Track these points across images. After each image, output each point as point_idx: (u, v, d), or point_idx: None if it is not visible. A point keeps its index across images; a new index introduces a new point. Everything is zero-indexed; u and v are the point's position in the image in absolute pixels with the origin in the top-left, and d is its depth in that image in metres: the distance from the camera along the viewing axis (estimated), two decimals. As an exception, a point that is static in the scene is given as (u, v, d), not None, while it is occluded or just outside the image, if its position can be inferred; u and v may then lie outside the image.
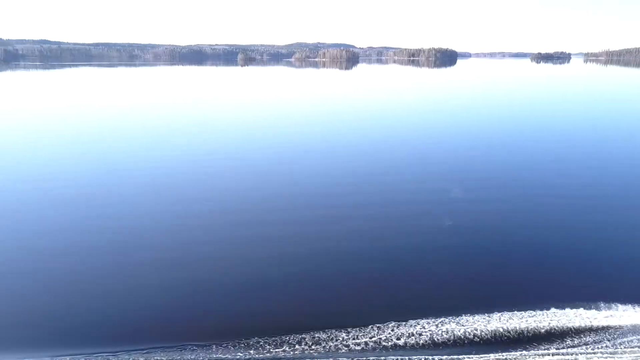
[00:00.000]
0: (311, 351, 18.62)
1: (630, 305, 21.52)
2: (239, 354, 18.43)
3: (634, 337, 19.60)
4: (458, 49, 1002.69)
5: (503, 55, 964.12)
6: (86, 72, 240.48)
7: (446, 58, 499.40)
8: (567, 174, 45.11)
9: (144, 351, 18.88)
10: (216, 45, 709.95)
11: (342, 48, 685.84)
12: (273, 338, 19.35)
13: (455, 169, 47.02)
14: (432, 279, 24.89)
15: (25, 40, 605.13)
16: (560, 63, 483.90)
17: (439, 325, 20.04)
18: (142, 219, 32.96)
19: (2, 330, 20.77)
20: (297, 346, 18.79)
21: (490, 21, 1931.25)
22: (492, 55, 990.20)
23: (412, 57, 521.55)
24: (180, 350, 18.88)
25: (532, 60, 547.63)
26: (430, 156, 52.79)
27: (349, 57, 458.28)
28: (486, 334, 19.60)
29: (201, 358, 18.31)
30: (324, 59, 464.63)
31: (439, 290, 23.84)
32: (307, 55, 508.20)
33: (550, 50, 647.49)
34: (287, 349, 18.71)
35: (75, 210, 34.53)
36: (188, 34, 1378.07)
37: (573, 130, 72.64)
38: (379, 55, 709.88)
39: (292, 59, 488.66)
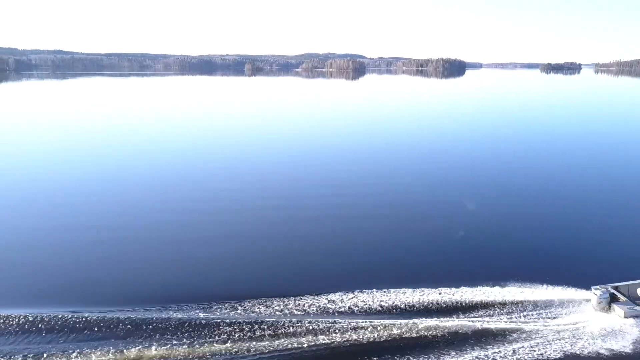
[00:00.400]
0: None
1: (539, 284, 23.68)
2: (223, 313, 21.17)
3: (540, 311, 21.69)
4: (469, 60, 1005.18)
5: (515, 65, 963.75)
6: (96, 82, 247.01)
7: (454, 68, 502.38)
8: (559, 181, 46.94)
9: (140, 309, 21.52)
10: (227, 55, 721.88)
11: (350, 58, 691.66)
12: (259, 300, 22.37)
13: (457, 176, 48.41)
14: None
15: (40, 50, 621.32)
16: (570, 74, 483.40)
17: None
18: (148, 214, 35.99)
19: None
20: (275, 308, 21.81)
21: (502, 32, 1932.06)
22: (503, 65, 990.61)
23: (421, 68, 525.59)
24: (166, 310, 21.33)
25: (541, 71, 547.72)
26: (434, 164, 54.00)
27: (356, 68, 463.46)
28: (417, 304, 21.75)
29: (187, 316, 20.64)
30: (331, 69, 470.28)
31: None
32: (315, 65, 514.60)
33: (561, 61, 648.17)
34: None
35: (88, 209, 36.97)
36: (199, 45, 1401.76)
37: (576, 139, 74.01)
38: (389, 65, 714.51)
39: (299, 69, 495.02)
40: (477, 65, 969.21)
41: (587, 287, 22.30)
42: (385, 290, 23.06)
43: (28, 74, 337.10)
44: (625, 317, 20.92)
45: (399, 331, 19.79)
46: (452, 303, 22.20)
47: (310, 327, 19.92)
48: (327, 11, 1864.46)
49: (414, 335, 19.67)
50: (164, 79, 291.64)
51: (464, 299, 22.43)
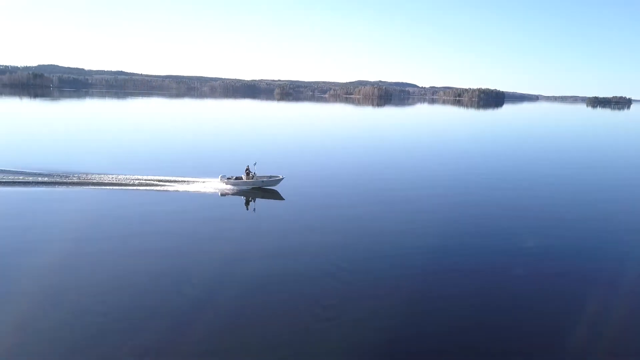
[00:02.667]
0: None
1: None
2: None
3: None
4: (525, 92, 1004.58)
5: (575, 99, 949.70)
6: (138, 101, 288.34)
7: (491, 99, 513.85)
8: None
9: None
10: (278, 80, 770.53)
11: (400, 87, 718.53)
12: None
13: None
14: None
15: (104, 71, 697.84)
16: (618, 108, 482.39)
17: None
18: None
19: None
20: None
21: (562, 65, 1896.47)
22: (563, 99, 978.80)
23: (458, 98, 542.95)
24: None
25: (587, 105, 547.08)
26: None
27: (381, 95, 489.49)
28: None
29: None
30: (358, 96, 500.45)
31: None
32: (347, 91, 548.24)
33: (619, 94, 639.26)
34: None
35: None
36: (249, 70, 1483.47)
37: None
38: (433, 94, 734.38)
39: (326, 95, 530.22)
40: (533, 98, 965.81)
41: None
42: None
43: (70, 91, 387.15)
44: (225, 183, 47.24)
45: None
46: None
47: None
48: (380, 39, 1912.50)
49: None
50: (205, 101, 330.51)
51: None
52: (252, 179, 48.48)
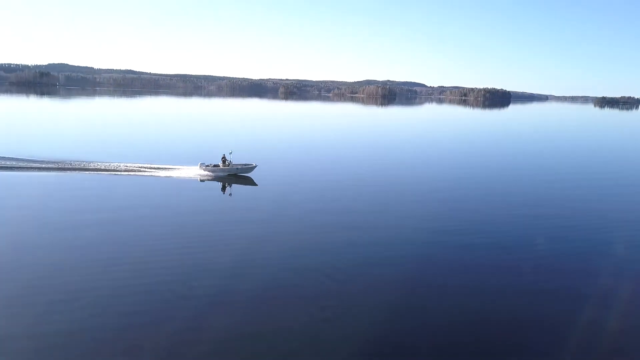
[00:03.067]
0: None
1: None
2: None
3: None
4: (535, 92, 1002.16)
5: (586, 99, 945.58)
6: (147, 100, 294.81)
7: (496, 99, 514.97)
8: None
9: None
10: (286, 80, 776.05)
11: (407, 86, 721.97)
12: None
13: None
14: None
15: (112, 70, 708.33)
16: (627, 109, 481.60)
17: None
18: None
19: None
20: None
21: (572, 64, 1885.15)
22: (573, 99, 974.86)
23: (464, 97, 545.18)
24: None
25: (595, 105, 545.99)
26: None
27: (385, 94, 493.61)
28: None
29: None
30: (362, 95, 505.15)
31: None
32: (352, 91, 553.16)
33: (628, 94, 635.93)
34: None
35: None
36: (258, 69, 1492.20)
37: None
38: (440, 94, 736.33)
39: (330, 94, 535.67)
40: (542, 98, 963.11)
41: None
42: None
43: (76, 89, 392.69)
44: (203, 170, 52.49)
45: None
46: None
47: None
48: (389, 39, 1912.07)
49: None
50: (206, 99, 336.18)
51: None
52: (228, 166, 53.75)
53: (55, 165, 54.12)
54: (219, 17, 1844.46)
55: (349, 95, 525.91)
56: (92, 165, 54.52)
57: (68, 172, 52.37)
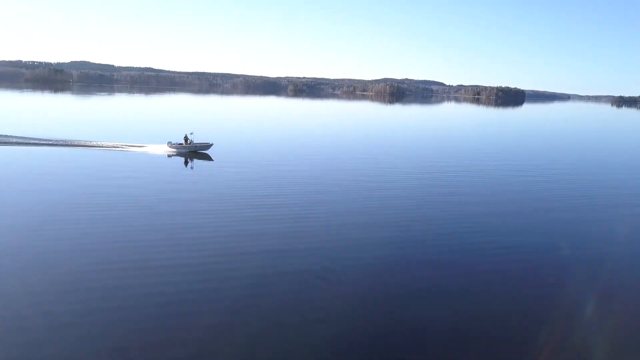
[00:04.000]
0: None
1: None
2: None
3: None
4: (556, 91, 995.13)
5: (609, 99, 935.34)
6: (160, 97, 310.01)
7: (510, 98, 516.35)
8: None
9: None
10: (303, 78, 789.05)
11: (424, 85, 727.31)
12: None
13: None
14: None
15: (132, 67, 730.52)
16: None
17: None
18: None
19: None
20: None
21: (595, 64, 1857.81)
22: (597, 98, 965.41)
23: (477, 96, 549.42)
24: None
25: (612, 105, 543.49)
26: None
27: (392, 92, 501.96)
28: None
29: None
30: (371, 93, 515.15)
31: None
32: (363, 88, 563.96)
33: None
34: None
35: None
36: (275, 67, 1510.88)
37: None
38: (456, 92, 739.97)
39: (339, 92, 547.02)
40: (564, 97, 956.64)
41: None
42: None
43: (90, 85, 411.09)
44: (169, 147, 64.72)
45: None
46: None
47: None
48: (406, 38, 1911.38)
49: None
50: (219, 97, 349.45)
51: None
52: (190, 144, 66.11)
53: (37, 141, 66.76)
54: (238, 15, 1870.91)
55: (360, 93, 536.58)
56: (76, 142, 67.61)
57: (51, 147, 65.22)
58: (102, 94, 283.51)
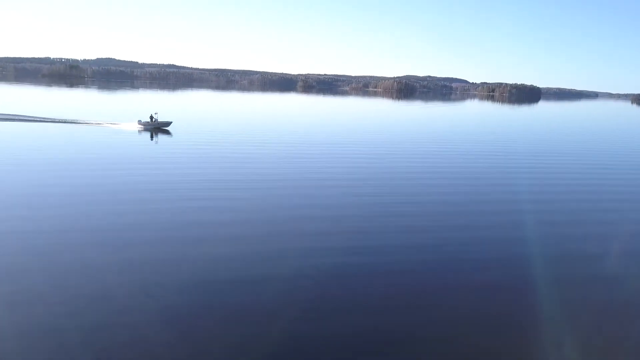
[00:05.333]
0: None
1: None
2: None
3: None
4: (583, 88, 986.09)
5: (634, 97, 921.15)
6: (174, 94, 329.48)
7: (524, 95, 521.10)
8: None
9: None
10: (324, 75, 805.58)
11: (447, 82, 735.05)
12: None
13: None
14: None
15: (155, 64, 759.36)
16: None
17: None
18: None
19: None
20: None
21: (629, 60, 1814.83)
22: (627, 96, 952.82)
23: (491, 93, 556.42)
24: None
25: (632, 102, 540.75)
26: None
27: (400, 89, 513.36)
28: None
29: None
30: (379, 90, 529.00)
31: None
32: (375, 85, 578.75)
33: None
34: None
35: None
36: (299, 64, 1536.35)
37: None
38: (475, 90, 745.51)
39: (348, 88, 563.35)
40: (591, 95, 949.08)
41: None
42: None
43: (112, 81, 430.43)
44: (138, 124, 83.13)
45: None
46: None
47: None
48: (429, 35, 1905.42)
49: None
50: (228, 93, 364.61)
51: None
52: (154, 122, 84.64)
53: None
54: (262, 12, 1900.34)
55: (372, 90, 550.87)
56: (57, 119, 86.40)
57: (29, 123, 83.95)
58: (111, 88, 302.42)
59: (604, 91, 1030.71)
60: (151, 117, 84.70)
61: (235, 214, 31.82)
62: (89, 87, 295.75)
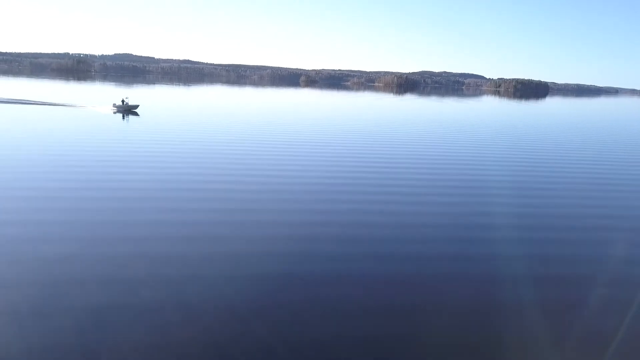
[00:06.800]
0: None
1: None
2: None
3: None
4: (604, 84, 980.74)
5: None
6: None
7: (530, 90, 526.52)
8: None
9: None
10: (338, 70, 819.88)
11: (468, 78, 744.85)
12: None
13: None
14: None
15: (171, 60, 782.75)
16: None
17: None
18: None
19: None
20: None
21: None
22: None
23: (497, 88, 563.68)
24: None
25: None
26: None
27: (401, 83, 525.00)
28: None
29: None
30: (380, 84, 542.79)
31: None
32: (371, 79, 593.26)
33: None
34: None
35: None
36: (312, 60, 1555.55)
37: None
38: (486, 85, 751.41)
39: (349, 83, 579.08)
40: (612, 91, 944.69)
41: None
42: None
43: (123, 76, 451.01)
44: (113, 107, 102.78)
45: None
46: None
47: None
48: (445, 30, 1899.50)
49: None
50: (230, 87, 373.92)
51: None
52: (125, 105, 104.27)
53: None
54: (275, 8, 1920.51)
55: (374, 84, 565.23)
56: (27, 101, 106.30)
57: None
58: (115, 82, 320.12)
59: (628, 87, 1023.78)
60: (122, 101, 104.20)
61: (227, 213, 31.59)
62: (90, 81, 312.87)
